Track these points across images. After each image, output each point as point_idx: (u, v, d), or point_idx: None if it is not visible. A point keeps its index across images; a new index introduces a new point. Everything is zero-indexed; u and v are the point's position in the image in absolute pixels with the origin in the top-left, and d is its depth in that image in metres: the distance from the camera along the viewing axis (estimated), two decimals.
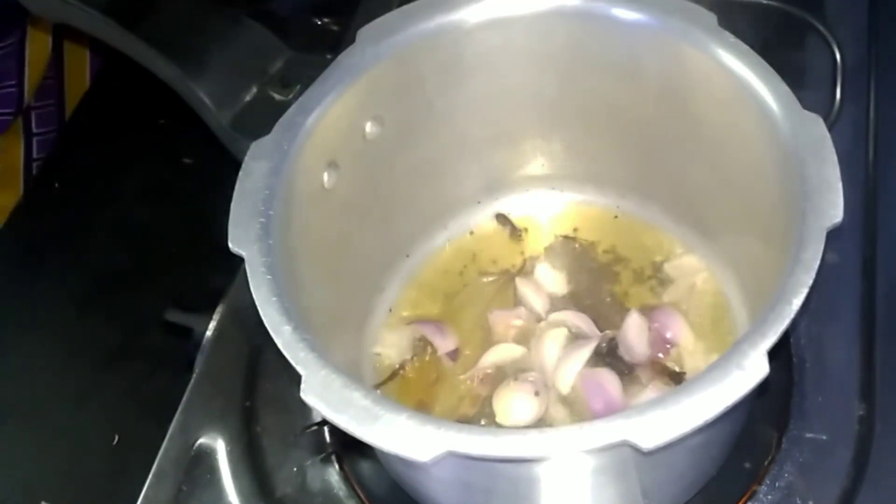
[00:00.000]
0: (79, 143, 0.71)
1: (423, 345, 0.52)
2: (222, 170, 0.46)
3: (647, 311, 0.51)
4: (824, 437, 0.49)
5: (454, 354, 0.52)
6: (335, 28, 0.68)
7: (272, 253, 0.40)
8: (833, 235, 0.38)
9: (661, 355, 0.50)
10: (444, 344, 0.52)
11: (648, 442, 0.34)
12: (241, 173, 0.43)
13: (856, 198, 0.56)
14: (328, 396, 0.36)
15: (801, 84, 0.43)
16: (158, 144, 0.69)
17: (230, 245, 0.41)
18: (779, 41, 0.63)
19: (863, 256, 0.55)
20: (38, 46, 0.71)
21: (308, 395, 0.36)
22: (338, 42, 0.62)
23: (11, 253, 0.67)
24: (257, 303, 0.39)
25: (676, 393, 0.35)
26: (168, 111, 0.69)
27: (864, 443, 0.49)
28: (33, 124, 0.71)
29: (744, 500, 0.48)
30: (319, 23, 0.68)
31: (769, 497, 0.48)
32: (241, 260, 0.41)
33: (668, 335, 0.50)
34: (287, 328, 0.38)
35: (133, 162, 0.69)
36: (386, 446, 0.35)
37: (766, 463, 0.48)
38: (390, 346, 0.52)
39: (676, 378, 0.49)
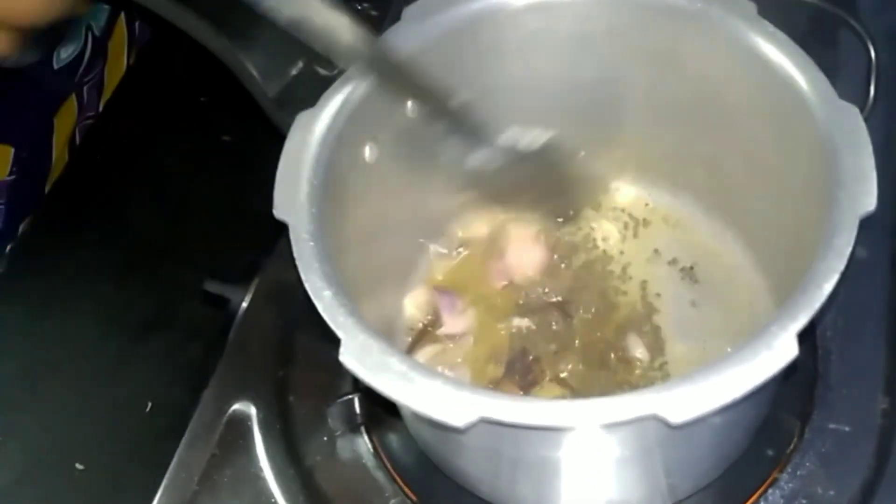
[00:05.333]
0: (121, 116, 0.72)
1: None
2: (259, 148, 0.46)
3: None
4: (847, 429, 0.49)
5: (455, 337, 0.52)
6: (374, 13, 0.69)
7: (314, 221, 0.41)
8: (863, 231, 0.39)
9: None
10: (452, 323, 0.52)
11: (677, 416, 0.35)
12: (286, 143, 0.43)
13: (887, 194, 0.55)
14: (366, 360, 0.37)
15: (835, 81, 0.43)
16: (198, 121, 0.70)
17: (274, 212, 0.42)
18: (813, 38, 0.63)
19: (892, 253, 0.55)
20: (114, 73, 0.71)
21: (346, 358, 0.37)
22: (377, 28, 0.63)
23: (53, 222, 0.68)
24: (299, 268, 0.40)
25: (706, 370, 0.36)
26: (209, 89, 0.71)
27: (887, 436, 0.49)
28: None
29: (764, 486, 0.48)
30: (359, 8, 0.69)
31: (790, 485, 0.48)
32: (276, 235, 0.42)
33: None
34: (328, 293, 0.39)
35: (173, 137, 0.70)
36: (422, 409, 0.36)
37: (788, 451, 0.49)
38: (416, 309, 0.53)
39: None
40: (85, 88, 0.69)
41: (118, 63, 0.72)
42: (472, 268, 0.55)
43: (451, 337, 0.52)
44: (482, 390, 0.36)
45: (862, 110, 0.59)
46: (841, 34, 0.64)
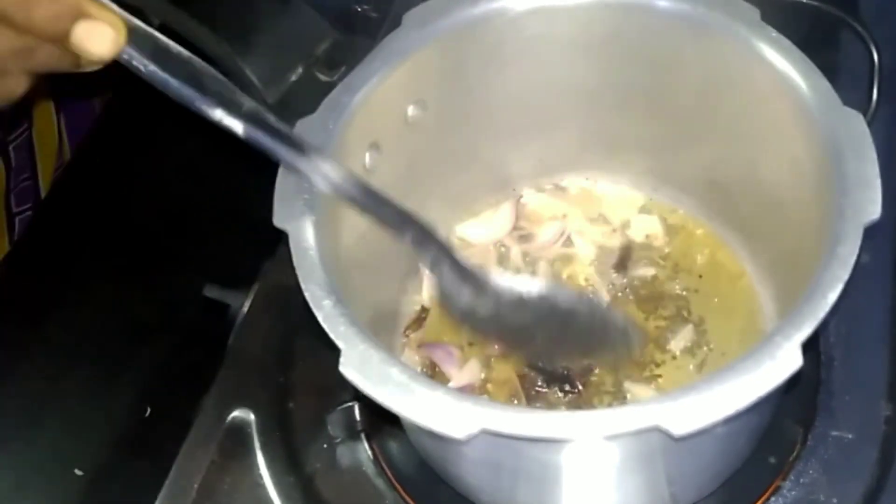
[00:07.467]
0: (121, 119, 0.72)
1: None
2: (259, 152, 0.46)
3: None
4: (850, 436, 0.49)
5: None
6: (374, 15, 0.69)
7: (315, 229, 0.41)
8: (866, 237, 0.38)
9: None
10: (458, 376, 0.51)
11: (680, 428, 0.34)
12: None
13: (889, 199, 0.56)
14: (367, 371, 0.37)
15: (838, 83, 0.43)
16: (198, 124, 0.70)
17: (274, 221, 0.41)
18: (816, 40, 0.63)
19: (894, 258, 0.55)
20: (46, 136, 0.69)
21: (347, 368, 0.37)
22: (376, 29, 0.63)
23: (51, 227, 0.68)
24: (300, 277, 0.39)
25: (709, 381, 0.36)
26: None
27: (890, 443, 0.49)
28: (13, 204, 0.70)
29: (767, 494, 0.48)
30: (359, 10, 0.68)
31: (793, 493, 0.48)
32: (276, 240, 0.41)
33: None
34: (328, 303, 0.38)
35: (173, 141, 0.70)
36: (422, 421, 0.35)
37: (790, 459, 0.49)
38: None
39: None
40: (11, 148, 0.66)
41: (49, 129, 0.70)
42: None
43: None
44: (483, 401, 0.36)
45: (865, 114, 0.59)
46: (843, 37, 0.64)
